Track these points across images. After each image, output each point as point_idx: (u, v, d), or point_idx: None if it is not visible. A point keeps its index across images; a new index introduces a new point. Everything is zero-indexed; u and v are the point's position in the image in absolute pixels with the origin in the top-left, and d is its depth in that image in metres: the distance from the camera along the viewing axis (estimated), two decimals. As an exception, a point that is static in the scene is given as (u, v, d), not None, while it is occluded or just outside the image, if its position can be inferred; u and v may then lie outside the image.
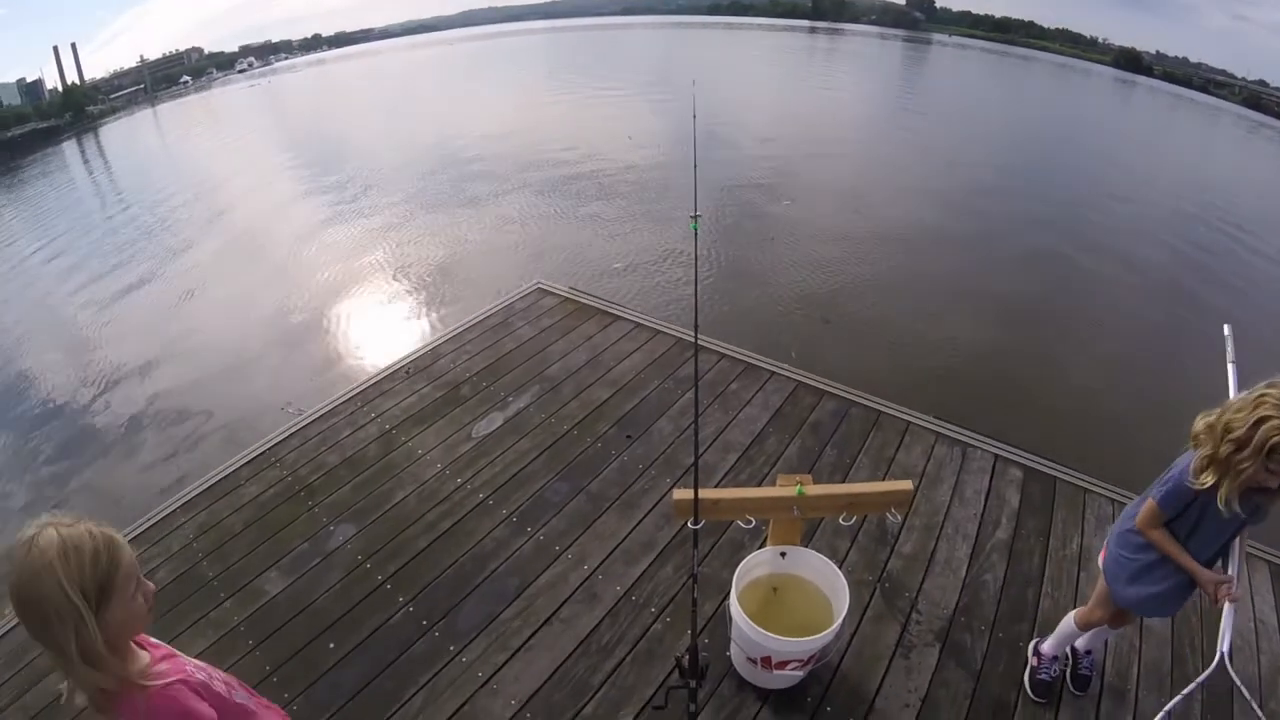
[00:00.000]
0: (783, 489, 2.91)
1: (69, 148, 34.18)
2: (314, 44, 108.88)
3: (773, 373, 5.42)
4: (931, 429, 4.87)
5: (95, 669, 1.33)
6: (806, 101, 30.06)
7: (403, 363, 5.59)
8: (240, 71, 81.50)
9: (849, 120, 25.37)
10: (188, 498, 4.26)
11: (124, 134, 38.58)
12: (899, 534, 3.94)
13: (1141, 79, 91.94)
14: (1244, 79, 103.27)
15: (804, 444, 4.69)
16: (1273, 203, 21.85)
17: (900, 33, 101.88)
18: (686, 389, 5.12)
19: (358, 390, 5.26)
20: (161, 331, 9.91)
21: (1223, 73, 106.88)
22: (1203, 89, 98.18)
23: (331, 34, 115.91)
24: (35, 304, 11.72)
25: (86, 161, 30.43)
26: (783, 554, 3.06)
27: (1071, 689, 3.13)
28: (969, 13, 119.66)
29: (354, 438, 4.75)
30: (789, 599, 3.09)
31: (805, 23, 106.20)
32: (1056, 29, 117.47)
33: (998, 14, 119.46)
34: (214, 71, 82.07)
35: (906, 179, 16.96)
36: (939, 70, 57.67)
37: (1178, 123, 50.94)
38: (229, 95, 52.81)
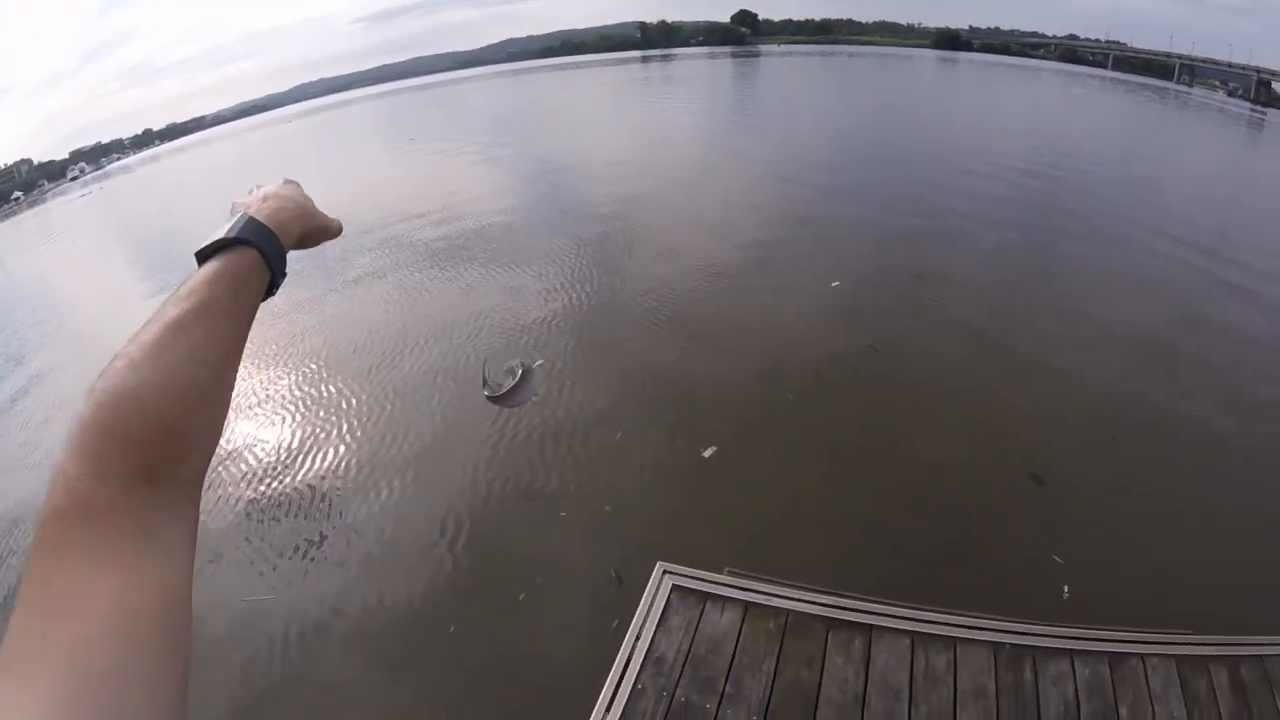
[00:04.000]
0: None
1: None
2: (145, 140, 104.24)
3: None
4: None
5: None
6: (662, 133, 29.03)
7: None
8: (73, 179, 76.97)
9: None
10: None
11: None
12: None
13: (963, 55, 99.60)
14: (1055, 36, 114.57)
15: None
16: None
17: (729, 49, 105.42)
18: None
19: None
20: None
21: (1035, 34, 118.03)
22: (1021, 53, 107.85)
23: (162, 127, 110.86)
24: None
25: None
26: None
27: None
28: (791, 20, 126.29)
29: None
30: None
31: (637, 53, 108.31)
32: (874, 23, 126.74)
33: (818, 17, 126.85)
34: (45, 183, 77.29)
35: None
36: (771, 80, 59.36)
37: (1010, 89, 54.97)
38: (65, 207, 47.16)
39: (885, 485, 6.07)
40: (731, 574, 3.88)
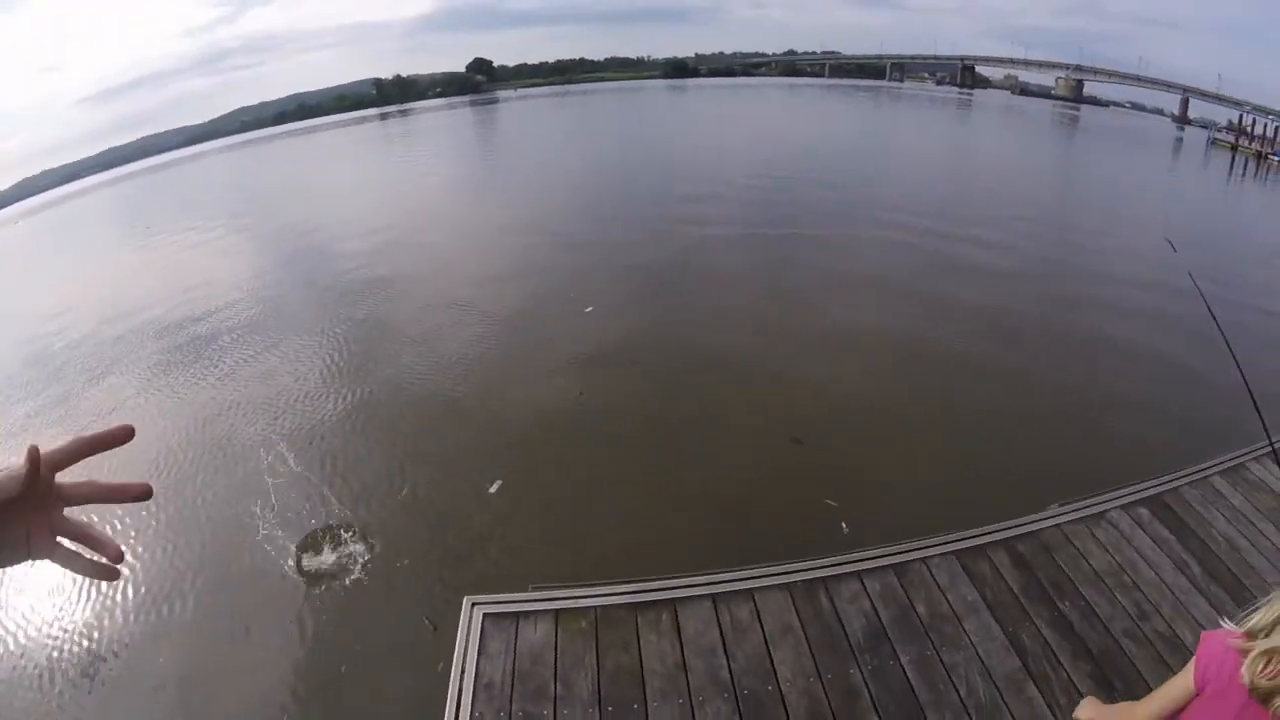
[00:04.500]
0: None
1: None
2: None
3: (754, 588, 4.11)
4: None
5: None
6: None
7: None
8: None
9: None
10: None
11: None
12: None
13: (691, 81, 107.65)
14: (775, 54, 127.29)
15: (873, 656, 3.68)
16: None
17: (467, 98, 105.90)
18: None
19: None
20: None
21: (757, 54, 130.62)
22: (745, 73, 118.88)
23: None
24: None
25: None
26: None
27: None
28: (526, 64, 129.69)
29: None
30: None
31: (375, 111, 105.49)
32: (607, 59, 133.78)
33: (552, 59, 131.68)
34: None
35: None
36: (508, 125, 60.71)
37: (728, 106, 60.13)
38: None
39: (667, 474, 6.69)
40: (536, 588, 4.07)
